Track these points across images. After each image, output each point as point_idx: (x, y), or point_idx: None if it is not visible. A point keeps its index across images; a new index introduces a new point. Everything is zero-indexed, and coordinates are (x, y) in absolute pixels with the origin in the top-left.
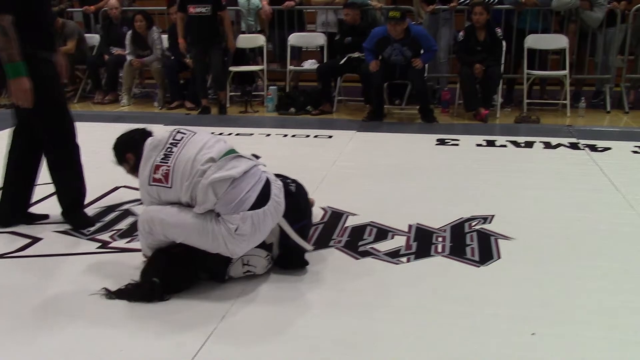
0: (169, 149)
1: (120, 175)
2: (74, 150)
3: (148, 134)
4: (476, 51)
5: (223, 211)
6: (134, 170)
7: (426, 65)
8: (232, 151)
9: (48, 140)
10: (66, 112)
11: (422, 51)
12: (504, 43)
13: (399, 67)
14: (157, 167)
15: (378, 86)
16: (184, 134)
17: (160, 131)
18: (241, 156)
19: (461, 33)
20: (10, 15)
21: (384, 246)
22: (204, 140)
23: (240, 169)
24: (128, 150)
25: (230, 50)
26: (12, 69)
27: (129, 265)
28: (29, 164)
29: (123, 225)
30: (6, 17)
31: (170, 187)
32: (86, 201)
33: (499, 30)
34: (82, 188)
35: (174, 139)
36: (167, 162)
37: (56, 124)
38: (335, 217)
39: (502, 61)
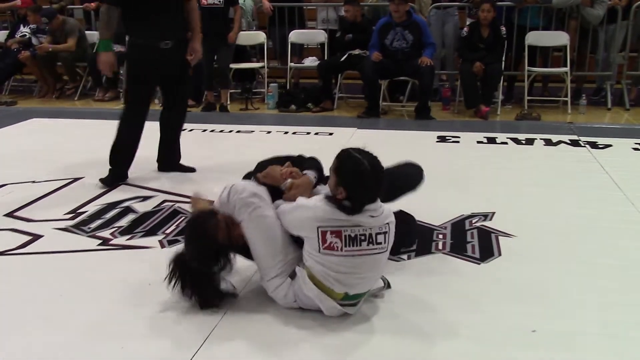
0: (362, 238)
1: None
2: (129, 127)
3: (377, 190)
4: (478, 48)
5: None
6: (331, 199)
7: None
8: (366, 293)
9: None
10: (139, 92)
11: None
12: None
13: (402, 55)
14: (337, 234)
15: (372, 82)
16: (384, 242)
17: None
18: (359, 304)
19: (465, 29)
20: (107, 5)
21: None
22: (380, 268)
23: (335, 312)
24: (347, 187)
25: (229, 41)
26: (100, 44)
27: (130, 263)
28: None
29: (124, 222)
30: (104, 6)
31: (326, 252)
32: (86, 198)
33: (503, 29)
34: (122, 160)
35: (375, 236)
36: (345, 246)
37: (129, 99)
38: None
39: (503, 59)
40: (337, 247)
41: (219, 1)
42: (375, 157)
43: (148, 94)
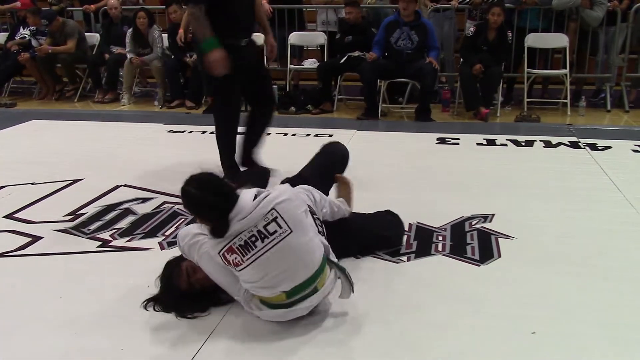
0: (252, 239)
1: (121, 173)
2: (225, 124)
3: (233, 198)
4: (481, 50)
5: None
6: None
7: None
8: (311, 280)
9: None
10: (231, 93)
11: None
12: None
13: (406, 56)
14: (230, 250)
15: (371, 83)
16: (279, 228)
17: (246, 198)
18: (317, 291)
19: (472, 28)
20: (201, 5)
21: None
22: (297, 252)
23: (298, 313)
24: (204, 220)
25: None
26: (206, 44)
27: (130, 264)
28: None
29: (123, 224)
30: (198, 7)
31: (238, 270)
32: (86, 200)
33: (509, 34)
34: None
35: (264, 230)
36: (243, 256)
37: (221, 97)
38: None
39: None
40: (239, 260)
41: None
42: (204, 174)
43: (237, 90)
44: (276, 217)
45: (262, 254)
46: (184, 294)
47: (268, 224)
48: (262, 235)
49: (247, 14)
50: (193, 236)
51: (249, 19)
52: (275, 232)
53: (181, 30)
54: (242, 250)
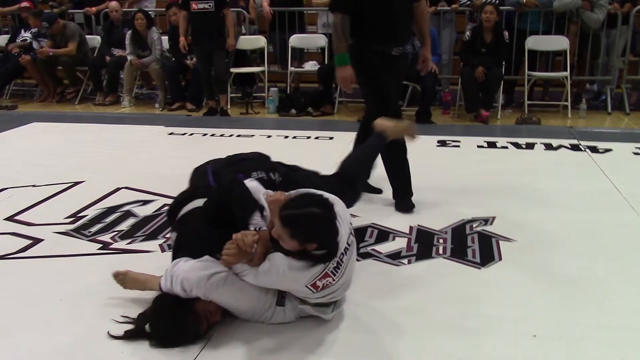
0: (341, 256)
1: (121, 176)
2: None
3: (334, 219)
4: (480, 52)
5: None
6: (299, 255)
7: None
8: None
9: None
10: (388, 102)
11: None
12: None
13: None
14: (325, 276)
15: None
16: (354, 238)
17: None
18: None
19: (467, 33)
20: (341, 14)
21: (385, 248)
22: (353, 266)
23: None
24: (313, 241)
25: (229, 49)
26: (337, 59)
27: (131, 267)
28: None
29: (124, 226)
30: (341, 16)
31: (313, 294)
32: (87, 202)
33: (506, 34)
34: (400, 177)
35: (348, 245)
36: (334, 276)
37: (374, 110)
38: None
39: (504, 63)
40: (330, 282)
41: (209, 5)
42: (313, 194)
43: (392, 96)
44: (351, 231)
45: (347, 266)
46: (198, 337)
47: (349, 238)
48: (347, 250)
49: (400, 22)
50: (208, 279)
51: (404, 28)
52: (352, 242)
53: (182, 38)
54: (335, 271)
